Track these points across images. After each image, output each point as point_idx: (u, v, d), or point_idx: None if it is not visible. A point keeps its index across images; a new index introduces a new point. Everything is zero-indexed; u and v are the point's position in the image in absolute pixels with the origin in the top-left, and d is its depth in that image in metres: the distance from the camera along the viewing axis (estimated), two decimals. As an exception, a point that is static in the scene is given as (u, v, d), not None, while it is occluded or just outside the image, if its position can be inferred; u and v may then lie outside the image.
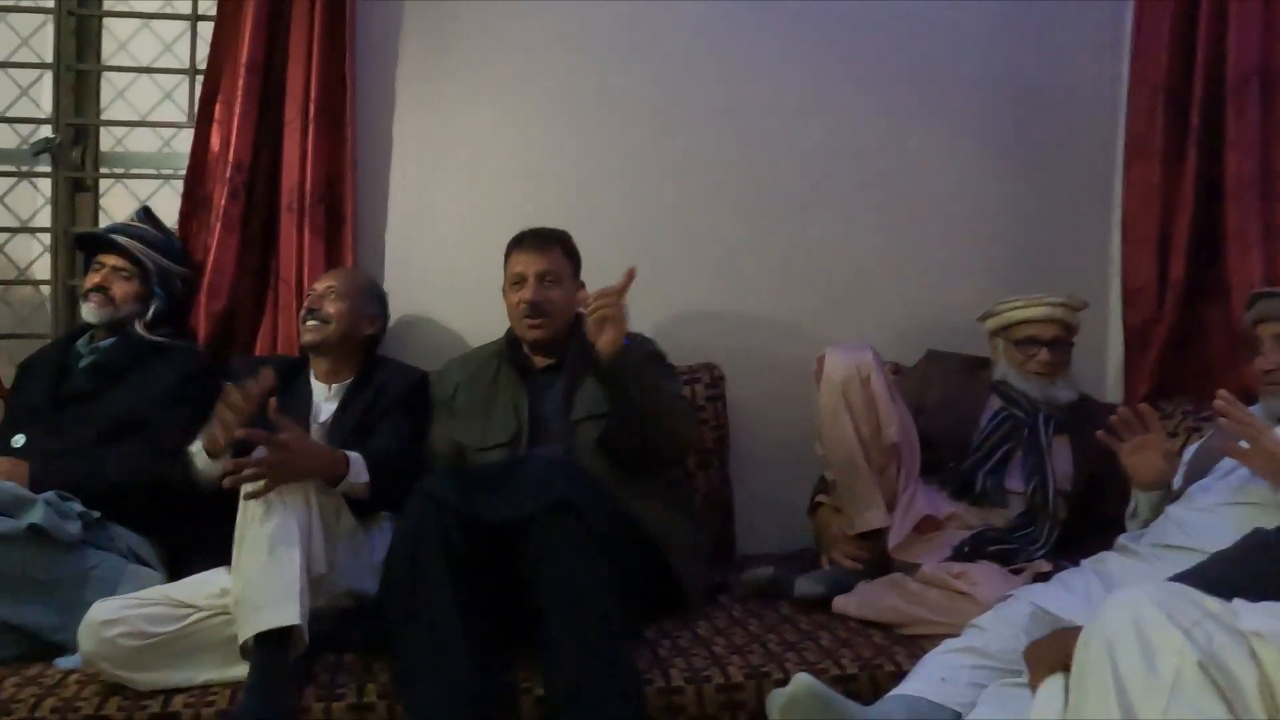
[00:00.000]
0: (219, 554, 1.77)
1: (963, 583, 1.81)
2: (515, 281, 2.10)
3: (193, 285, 2.32)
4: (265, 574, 1.60)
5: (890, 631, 1.82)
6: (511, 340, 2.14)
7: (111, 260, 2.16)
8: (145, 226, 2.24)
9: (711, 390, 2.39)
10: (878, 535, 2.02)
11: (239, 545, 1.66)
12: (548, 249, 2.10)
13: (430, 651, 1.57)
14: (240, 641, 1.59)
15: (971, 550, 1.98)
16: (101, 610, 1.63)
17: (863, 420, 1.98)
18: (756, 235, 2.57)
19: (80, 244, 2.26)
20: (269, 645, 1.57)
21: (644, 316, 2.43)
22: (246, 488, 1.65)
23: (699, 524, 2.11)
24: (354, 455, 1.84)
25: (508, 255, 2.13)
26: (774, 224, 2.57)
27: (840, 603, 1.91)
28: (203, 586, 1.73)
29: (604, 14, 2.52)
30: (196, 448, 1.87)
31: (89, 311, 2.14)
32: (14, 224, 2.51)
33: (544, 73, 2.52)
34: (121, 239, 2.16)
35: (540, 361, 2.12)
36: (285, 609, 1.57)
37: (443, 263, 2.48)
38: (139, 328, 2.16)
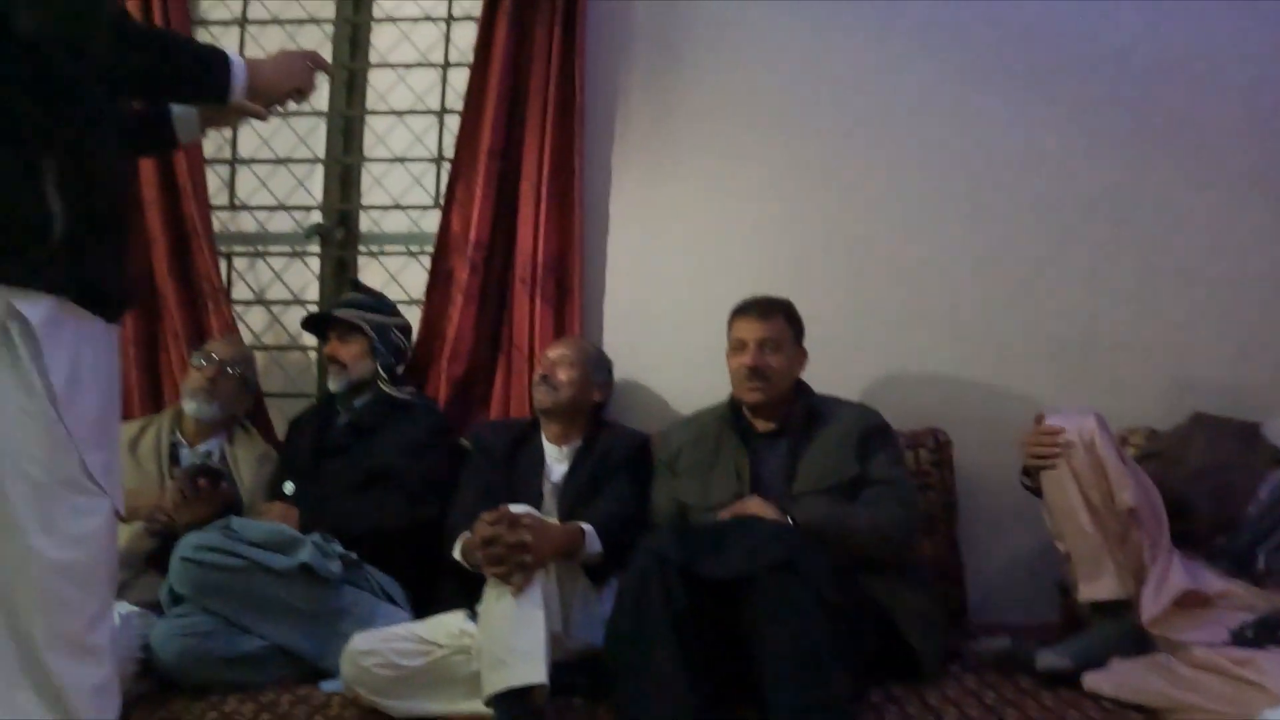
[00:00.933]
0: (460, 597, 1.95)
1: (1250, 671, 1.64)
2: (737, 347, 2.18)
3: (408, 332, 2.53)
4: (512, 633, 1.71)
5: (1153, 716, 1.68)
6: (733, 404, 2.21)
7: (335, 332, 2.43)
8: (355, 295, 2.51)
9: (936, 455, 2.36)
10: (1119, 608, 1.90)
11: (488, 602, 1.79)
12: (770, 316, 2.17)
13: (653, 703, 1.62)
14: (487, 693, 1.69)
15: (1257, 635, 1.80)
16: (360, 641, 1.82)
17: (1090, 486, 1.89)
18: (985, 296, 2.53)
19: (308, 327, 2.54)
20: (514, 700, 1.68)
21: (867, 381, 2.48)
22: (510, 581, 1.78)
23: (928, 589, 2.08)
24: (588, 529, 1.96)
25: (731, 321, 2.22)
26: (1004, 284, 2.53)
27: (1092, 680, 1.78)
28: (444, 626, 1.90)
29: (824, 84, 2.62)
30: (458, 550, 2.02)
31: (331, 381, 2.42)
32: (288, 297, 2.86)
33: (765, 143, 2.63)
34: (337, 313, 2.42)
35: (762, 425, 2.17)
36: (532, 669, 1.67)
37: (664, 329, 2.62)
38: (384, 386, 2.40)
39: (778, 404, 2.15)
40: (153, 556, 2.15)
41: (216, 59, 1.47)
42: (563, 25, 2.56)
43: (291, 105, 1.63)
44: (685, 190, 2.65)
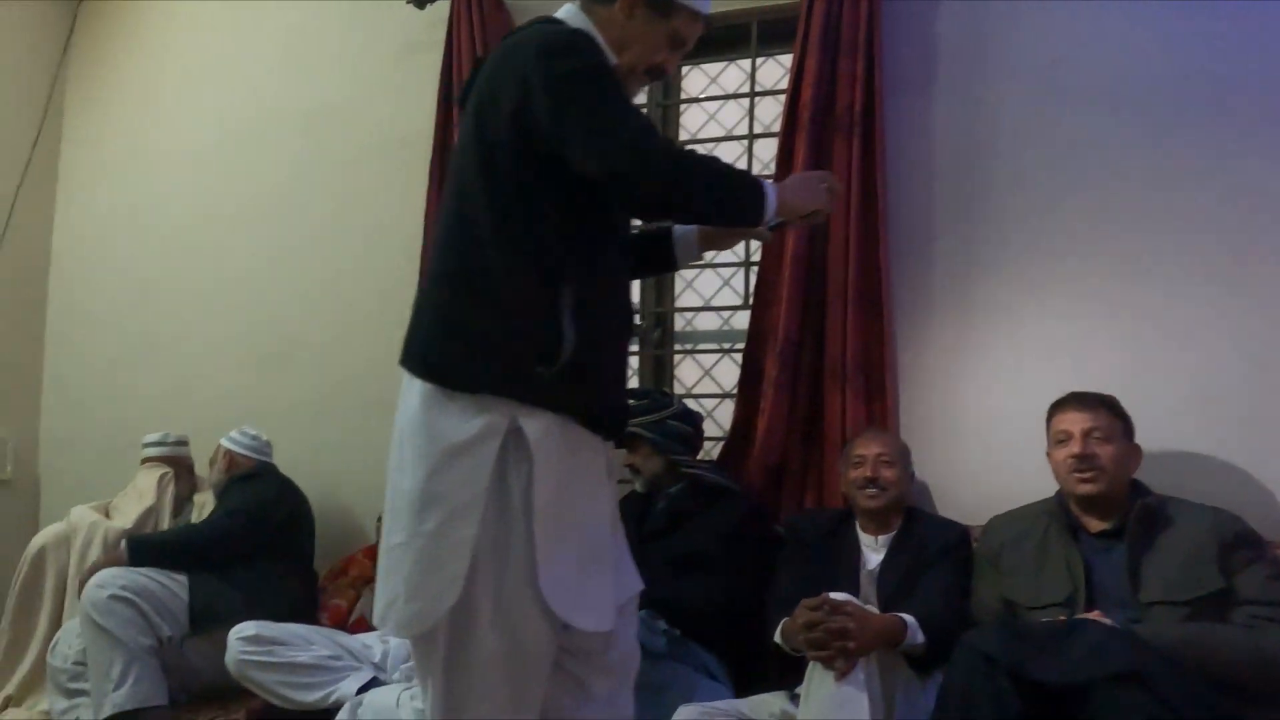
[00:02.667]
0: (780, 679, 2.07)
1: None
2: (1061, 439, 2.13)
3: (686, 416, 2.65)
4: (836, 717, 1.79)
5: None
6: (1062, 499, 2.15)
7: (626, 442, 2.59)
8: (634, 402, 2.63)
9: None
10: None
11: (810, 685, 1.88)
12: (1093, 407, 2.12)
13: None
14: None
15: None
16: (684, 713, 1.98)
17: None
18: None
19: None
20: None
21: (1227, 484, 2.33)
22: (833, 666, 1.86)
23: None
24: (910, 620, 1.98)
25: (1051, 416, 2.19)
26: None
27: None
28: (766, 705, 2.03)
29: (1134, 182, 2.57)
30: (779, 634, 2.10)
31: (636, 484, 2.64)
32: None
33: (1079, 238, 2.61)
34: None
35: (1095, 525, 2.08)
36: None
37: (977, 424, 2.63)
38: (688, 469, 2.57)
39: (1112, 501, 2.06)
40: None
41: (756, 184, 1.54)
42: (861, 137, 2.68)
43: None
44: (1003, 293, 2.66)
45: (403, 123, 3.40)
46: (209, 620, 2.54)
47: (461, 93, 1.63)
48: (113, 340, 3.89)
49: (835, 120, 2.73)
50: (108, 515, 3.05)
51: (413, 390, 1.48)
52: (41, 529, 3.08)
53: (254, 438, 3.12)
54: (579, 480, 1.51)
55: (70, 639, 2.52)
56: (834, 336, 2.69)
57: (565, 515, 1.46)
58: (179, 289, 3.78)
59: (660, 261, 1.84)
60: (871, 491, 2.32)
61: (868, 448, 2.39)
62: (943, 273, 2.73)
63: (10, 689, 2.83)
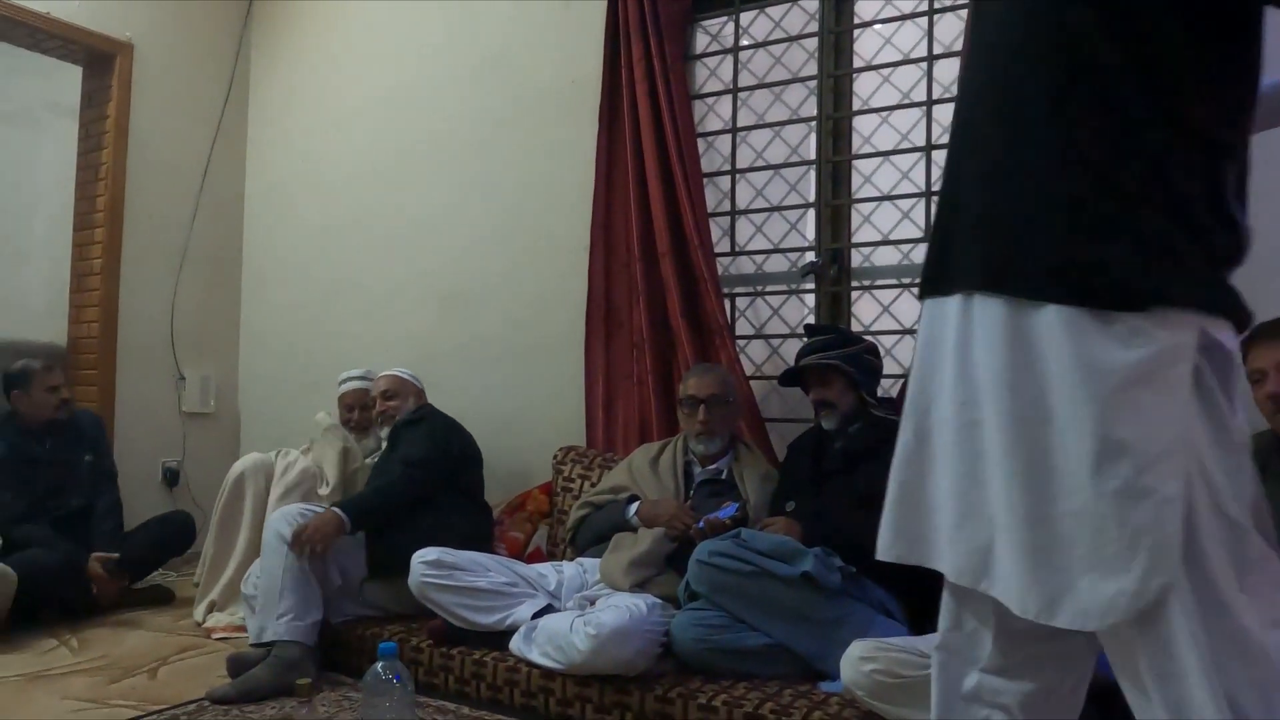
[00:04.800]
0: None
1: None
2: (1255, 378, 1.95)
3: (876, 353, 2.63)
4: None
5: None
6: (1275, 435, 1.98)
7: (814, 379, 2.58)
8: (816, 339, 2.62)
9: None
10: None
11: None
12: None
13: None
14: None
15: None
16: (860, 648, 1.95)
17: None
18: None
19: (786, 382, 2.70)
20: None
21: None
22: None
23: None
24: None
25: (1244, 351, 2.01)
26: None
27: None
28: None
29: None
30: None
31: (825, 420, 2.58)
32: (785, 331, 3.15)
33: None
34: (809, 361, 2.56)
35: None
36: None
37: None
38: (875, 412, 2.53)
39: None
40: (671, 557, 2.50)
41: None
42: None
43: None
44: None
45: (572, 66, 3.46)
46: (386, 568, 2.68)
47: None
48: (301, 285, 4.19)
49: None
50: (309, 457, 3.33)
51: (1041, 319, 1.15)
52: (240, 458, 3.36)
53: (415, 378, 3.24)
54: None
55: (260, 570, 2.71)
56: (1024, 266, 2.55)
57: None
58: (361, 236, 4.01)
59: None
60: None
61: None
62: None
63: (215, 594, 3.14)
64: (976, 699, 1.33)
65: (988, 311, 1.19)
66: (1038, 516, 1.15)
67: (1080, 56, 1.17)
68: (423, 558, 2.45)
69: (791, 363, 2.71)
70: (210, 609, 3.12)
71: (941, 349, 1.26)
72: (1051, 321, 1.14)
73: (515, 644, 2.32)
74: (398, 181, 3.93)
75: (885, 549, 1.36)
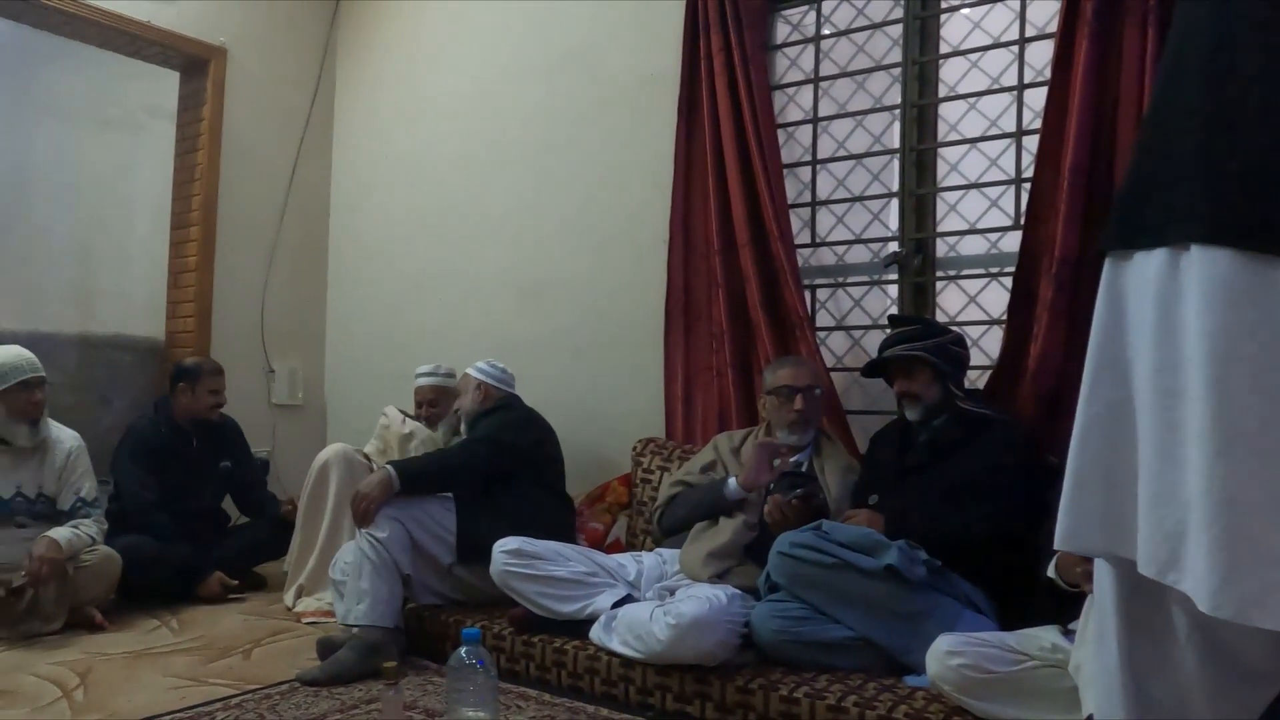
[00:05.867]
0: (1052, 614, 1.96)
1: None
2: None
3: (962, 343, 2.56)
4: None
5: None
6: None
7: (898, 371, 2.54)
8: (900, 330, 2.58)
9: None
10: None
11: (1086, 619, 1.76)
12: None
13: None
14: (1086, 713, 1.67)
15: None
16: (947, 642, 1.92)
17: None
18: None
19: (869, 374, 2.66)
20: None
21: None
22: None
23: None
24: None
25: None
26: None
27: None
28: (1036, 640, 1.93)
29: None
30: (1052, 568, 1.98)
31: (909, 412, 2.54)
32: (867, 322, 3.12)
33: None
34: (893, 354, 2.52)
35: None
36: None
37: None
38: (961, 404, 2.48)
39: None
40: (749, 547, 2.49)
41: None
42: (1158, 29, 2.43)
43: None
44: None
45: (650, 61, 3.48)
46: (475, 550, 2.70)
47: None
48: (386, 279, 4.30)
49: (1125, 9, 2.50)
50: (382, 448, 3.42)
51: (1274, 276, 1.04)
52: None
53: (502, 370, 3.27)
54: None
55: (347, 556, 2.79)
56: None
57: None
58: (444, 230, 4.10)
59: None
60: None
61: None
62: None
63: (302, 579, 3.25)
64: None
65: (1209, 266, 1.06)
66: (1246, 504, 1.02)
67: None
68: (503, 547, 2.49)
69: (874, 354, 2.68)
70: (299, 594, 3.22)
71: (1139, 308, 1.14)
72: None
73: (595, 633, 2.35)
74: (479, 176, 4.00)
75: (1065, 538, 1.21)
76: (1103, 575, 1.24)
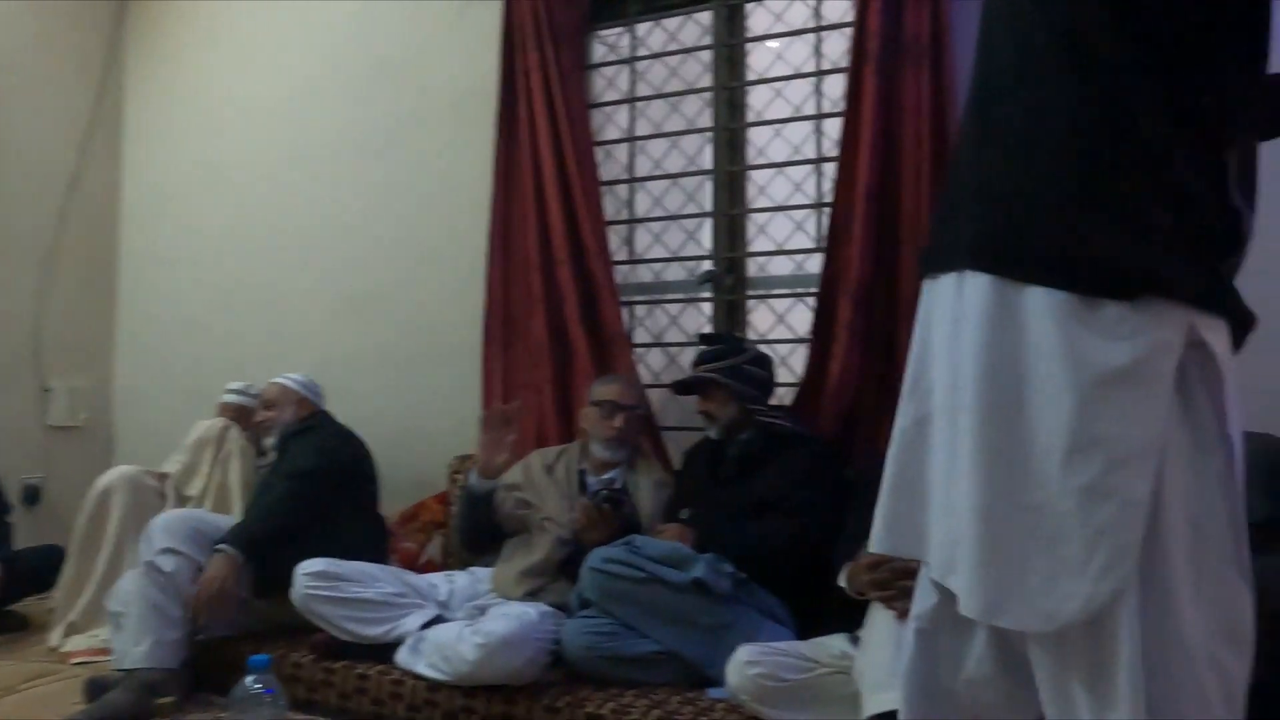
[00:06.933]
0: (843, 622, 2.07)
1: None
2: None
3: (764, 362, 2.69)
4: (895, 657, 1.74)
5: None
6: None
7: (699, 390, 2.65)
8: (704, 350, 2.69)
9: None
10: None
11: (871, 626, 1.89)
12: None
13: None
14: (865, 715, 1.78)
15: None
16: (746, 653, 2.00)
17: None
18: None
19: (680, 392, 2.76)
20: None
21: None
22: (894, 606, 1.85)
23: None
24: None
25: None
26: None
27: None
28: (826, 647, 2.04)
29: None
30: (844, 578, 2.09)
31: (711, 430, 2.64)
32: (683, 339, 3.20)
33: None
34: (693, 375, 2.64)
35: None
36: None
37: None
38: (762, 418, 2.58)
39: None
40: (564, 565, 2.50)
41: None
42: (931, 69, 2.63)
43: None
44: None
45: (467, 73, 3.45)
46: (271, 584, 2.57)
47: None
48: (189, 292, 4.06)
49: (903, 50, 2.68)
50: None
51: (1026, 302, 1.13)
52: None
53: (311, 383, 3.16)
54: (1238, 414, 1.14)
55: (127, 584, 2.57)
56: (908, 277, 2.64)
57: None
58: (253, 241, 3.92)
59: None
60: None
61: None
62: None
63: (74, 615, 2.97)
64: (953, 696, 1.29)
65: (976, 290, 1.17)
66: (997, 510, 1.12)
67: (1088, 52, 1.15)
68: (307, 569, 2.40)
69: (689, 370, 2.74)
70: (69, 632, 2.95)
71: (938, 330, 1.24)
72: (1039, 305, 1.11)
73: (401, 656, 2.30)
74: (289, 185, 3.84)
75: (878, 541, 1.31)
76: (923, 578, 1.33)
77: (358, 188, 3.69)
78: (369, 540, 2.85)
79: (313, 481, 2.77)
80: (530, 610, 2.26)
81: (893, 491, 1.29)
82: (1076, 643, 1.10)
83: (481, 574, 2.63)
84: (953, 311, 1.21)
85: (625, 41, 3.35)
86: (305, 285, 3.78)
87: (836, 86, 2.94)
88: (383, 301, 3.60)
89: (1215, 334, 1.11)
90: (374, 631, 2.36)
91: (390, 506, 3.11)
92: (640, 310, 3.28)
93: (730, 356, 2.63)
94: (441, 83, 3.54)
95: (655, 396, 3.13)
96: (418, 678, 2.23)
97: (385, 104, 3.65)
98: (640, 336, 3.26)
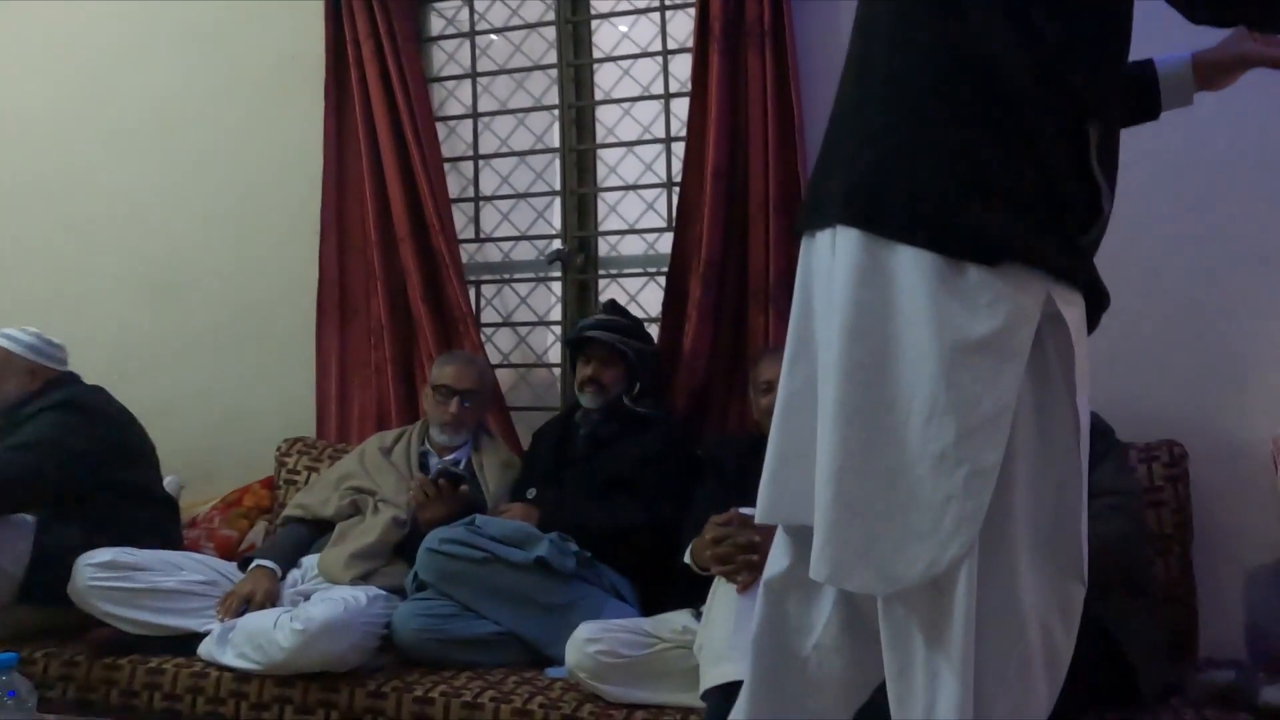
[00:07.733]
0: (687, 600, 2.04)
1: None
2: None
3: (662, 359, 2.67)
4: (735, 630, 1.75)
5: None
6: None
7: (596, 354, 2.55)
8: (615, 319, 2.63)
9: (1171, 470, 2.16)
10: None
11: (712, 600, 1.87)
12: None
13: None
14: (703, 688, 1.76)
15: None
16: (586, 630, 1.94)
17: None
18: (1230, 292, 2.28)
19: (570, 344, 2.70)
20: (730, 694, 1.69)
21: (1102, 386, 2.30)
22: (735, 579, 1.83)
23: (1158, 614, 1.96)
24: None
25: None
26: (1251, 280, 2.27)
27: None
28: (669, 623, 2.01)
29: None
30: (688, 555, 2.05)
31: (587, 399, 2.55)
32: (533, 319, 3.13)
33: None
34: (601, 335, 2.55)
35: None
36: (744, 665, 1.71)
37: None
38: (626, 402, 2.53)
39: None
40: (399, 547, 2.38)
41: None
42: (773, 50, 2.65)
43: None
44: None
45: (293, 42, 3.25)
46: (45, 590, 2.27)
47: None
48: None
49: (746, 31, 2.69)
50: None
51: (896, 260, 1.10)
52: None
53: (42, 343, 2.67)
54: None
55: None
56: (756, 255, 2.65)
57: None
58: (52, 211, 3.57)
59: (1140, 108, 1.36)
60: (766, 403, 2.27)
61: (772, 370, 2.28)
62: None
63: None
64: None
65: (846, 245, 1.13)
66: (852, 471, 1.10)
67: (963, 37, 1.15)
68: (92, 559, 2.18)
69: (540, 351, 2.66)
70: None
71: (819, 288, 1.21)
72: (906, 265, 1.09)
73: (206, 648, 2.13)
74: (90, 158, 3.51)
75: (763, 512, 1.27)
76: (779, 542, 1.30)
77: (177, 162, 3.42)
78: (150, 527, 2.49)
79: (51, 457, 2.35)
80: (359, 594, 2.14)
81: (778, 458, 1.26)
82: (918, 603, 1.10)
83: (307, 561, 2.47)
84: (828, 267, 1.18)
85: (465, 16, 3.23)
86: (116, 265, 3.46)
87: (684, 67, 2.91)
88: (206, 280, 3.36)
89: (1071, 308, 1.12)
90: (173, 622, 2.19)
91: (212, 492, 2.93)
92: (489, 290, 3.18)
93: (641, 340, 2.59)
94: (266, 51, 3.32)
95: (504, 377, 3.04)
96: (224, 669, 2.08)
97: (205, 73, 3.39)
98: (489, 316, 3.16)
